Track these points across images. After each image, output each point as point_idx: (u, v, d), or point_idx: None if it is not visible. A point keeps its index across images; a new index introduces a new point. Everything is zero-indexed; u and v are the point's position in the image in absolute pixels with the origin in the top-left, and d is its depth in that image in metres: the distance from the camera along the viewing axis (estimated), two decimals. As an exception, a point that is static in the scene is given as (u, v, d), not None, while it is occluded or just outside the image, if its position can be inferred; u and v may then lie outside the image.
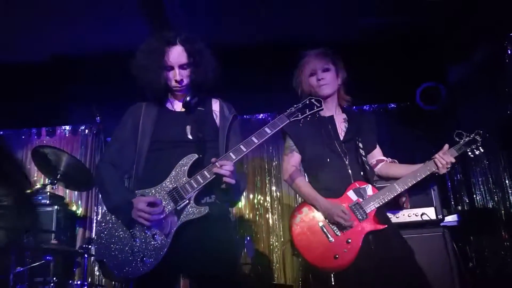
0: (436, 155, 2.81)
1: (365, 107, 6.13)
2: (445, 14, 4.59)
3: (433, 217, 3.92)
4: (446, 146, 2.86)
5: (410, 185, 2.81)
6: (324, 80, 2.94)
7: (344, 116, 3.06)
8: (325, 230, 2.72)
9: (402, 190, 2.80)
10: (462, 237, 4.47)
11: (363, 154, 2.92)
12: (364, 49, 4.96)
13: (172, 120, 2.54)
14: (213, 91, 2.62)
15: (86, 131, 6.31)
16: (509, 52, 4.22)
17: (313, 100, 2.49)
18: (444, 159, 2.78)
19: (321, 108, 2.49)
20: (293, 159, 2.98)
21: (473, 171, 4.95)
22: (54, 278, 4.13)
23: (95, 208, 5.94)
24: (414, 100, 5.46)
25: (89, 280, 5.23)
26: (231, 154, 2.31)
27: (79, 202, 5.97)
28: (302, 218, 2.78)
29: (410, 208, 3.93)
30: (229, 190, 2.37)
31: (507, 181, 4.38)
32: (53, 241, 4.64)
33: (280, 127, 2.41)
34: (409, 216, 3.92)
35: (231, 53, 4.00)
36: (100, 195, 5.66)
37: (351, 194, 2.78)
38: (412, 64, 5.30)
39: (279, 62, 4.64)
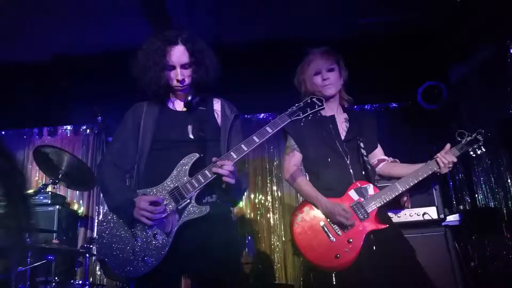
0: (438, 155, 2.81)
1: (366, 106, 6.13)
2: (447, 13, 4.58)
3: (435, 216, 3.92)
4: (448, 145, 2.85)
5: (412, 184, 2.81)
6: (329, 80, 2.94)
7: (345, 115, 3.06)
8: (326, 229, 2.71)
9: (404, 189, 2.80)
10: (463, 237, 4.46)
11: (364, 153, 2.91)
12: (365, 48, 4.96)
13: (173, 119, 2.54)
14: (214, 90, 2.62)
15: (88, 130, 6.31)
16: (511, 51, 4.21)
17: (314, 99, 2.48)
18: (446, 158, 2.77)
19: (323, 107, 2.48)
20: (294, 159, 2.97)
21: (475, 171, 4.94)
22: (56, 278, 4.13)
23: (97, 207, 5.95)
24: (416, 99, 5.46)
25: (91, 279, 5.22)
26: (232, 153, 2.31)
27: (81, 201, 5.97)
28: (303, 218, 2.77)
29: (412, 207, 3.93)
30: (229, 190, 2.36)
31: (509, 181, 4.37)
32: (55, 241, 4.63)
33: (281, 126, 2.41)
34: (410, 216, 3.92)
35: (232, 52, 3.99)
36: (101, 195, 5.68)
37: (352, 193, 2.78)
38: (414, 64, 5.29)
39: (280, 62, 4.65)
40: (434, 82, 5.39)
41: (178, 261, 2.26)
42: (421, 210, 3.93)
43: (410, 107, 5.81)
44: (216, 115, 2.61)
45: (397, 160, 3.04)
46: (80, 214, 5.87)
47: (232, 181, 2.26)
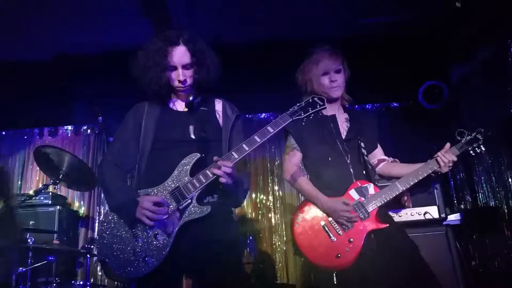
0: (438, 154, 2.80)
1: (367, 106, 6.14)
2: (447, 13, 4.57)
3: (436, 216, 3.93)
4: (448, 144, 2.85)
5: (412, 184, 2.81)
6: (337, 82, 2.94)
7: (346, 115, 3.06)
8: (327, 229, 2.71)
9: (404, 189, 2.80)
10: (464, 236, 4.46)
11: (365, 153, 2.91)
12: (366, 48, 4.95)
13: (174, 119, 2.54)
14: (215, 90, 2.61)
15: (88, 131, 6.32)
16: (512, 51, 4.21)
17: (316, 99, 2.47)
18: (446, 157, 2.77)
19: (324, 106, 2.47)
20: (294, 158, 2.97)
21: (475, 170, 4.94)
22: (57, 278, 4.13)
23: (97, 208, 5.96)
24: (417, 99, 5.45)
25: (92, 280, 5.24)
26: (233, 153, 2.31)
27: (81, 202, 5.98)
28: (304, 217, 2.77)
29: (413, 207, 3.93)
30: (227, 191, 2.36)
31: (509, 180, 4.37)
32: (55, 241, 4.63)
33: (283, 125, 2.40)
34: (411, 215, 3.92)
35: (232, 52, 3.99)
36: (102, 195, 5.69)
37: (353, 193, 2.78)
38: (415, 63, 5.29)
39: (280, 61, 4.65)
40: (435, 81, 5.38)
41: (179, 261, 2.26)
42: (422, 209, 3.93)
43: (411, 107, 5.81)
44: (217, 116, 2.60)
45: (397, 160, 3.04)
46: (81, 215, 5.87)
47: (227, 182, 2.25)
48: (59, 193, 5.51)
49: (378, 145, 3.10)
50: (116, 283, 4.69)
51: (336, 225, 2.71)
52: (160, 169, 2.39)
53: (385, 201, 2.76)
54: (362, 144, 2.92)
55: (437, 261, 3.52)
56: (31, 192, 5.17)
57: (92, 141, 6.27)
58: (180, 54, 2.45)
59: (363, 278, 2.56)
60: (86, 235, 5.77)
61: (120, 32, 4.79)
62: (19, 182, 6.08)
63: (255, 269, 5.31)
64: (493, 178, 4.64)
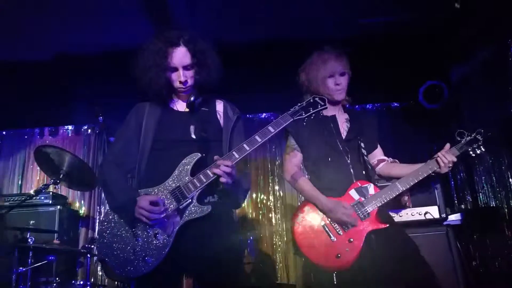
0: (438, 154, 2.80)
1: (368, 106, 6.13)
2: (447, 13, 4.57)
3: (437, 216, 3.93)
4: (448, 145, 2.85)
5: (412, 184, 2.81)
6: (341, 85, 2.94)
7: (346, 115, 3.06)
8: (327, 229, 2.71)
9: (404, 189, 2.80)
10: (465, 236, 4.46)
11: (365, 153, 2.91)
12: (367, 48, 4.95)
13: (175, 119, 2.54)
14: (216, 90, 2.61)
15: (89, 130, 6.32)
16: (512, 50, 4.21)
17: (317, 99, 2.47)
18: (446, 158, 2.77)
19: (325, 106, 2.47)
20: (295, 159, 2.97)
21: (476, 170, 4.94)
22: (57, 278, 4.13)
23: (98, 207, 5.95)
24: (417, 99, 5.45)
25: (92, 280, 5.24)
26: (234, 152, 2.31)
27: (82, 202, 5.97)
28: (304, 217, 2.77)
29: (414, 207, 3.94)
30: (226, 191, 2.36)
31: (510, 180, 4.36)
32: (56, 241, 4.64)
33: (284, 125, 2.40)
34: (412, 215, 3.93)
35: (233, 52, 3.99)
36: (102, 195, 5.69)
37: (353, 193, 2.78)
38: (415, 63, 5.29)
39: (281, 61, 4.65)
40: (436, 81, 5.38)
41: (179, 261, 2.26)
42: (423, 209, 3.94)
43: (411, 107, 5.81)
44: (218, 116, 2.60)
45: (397, 160, 3.04)
46: (81, 214, 5.87)
47: (228, 181, 2.24)
48: (59, 193, 5.51)
49: (378, 145, 3.10)
50: (116, 283, 4.68)
51: (336, 225, 2.71)
52: (160, 169, 2.39)
53: (385, 201, 2.76)
54: (362, 144, 2.92)
55: (437, 261, 3.53)
56: (31, 192, 5.17)
57: (92, 141, 6.27)
58: (180, 55, 2.45)
59: (363, 278, 2.56)
60: (87, 235, 5.77)
61: (120, 32, 4.79)
62: (20, 182, 6.09)
63: (255, 269, 5.30)
64: (494, 178, 4.64)
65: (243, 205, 5.86)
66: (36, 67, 5.30)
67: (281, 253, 5.77)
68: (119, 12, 4.56)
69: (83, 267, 4.75)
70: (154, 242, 2.25)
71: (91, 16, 4.62)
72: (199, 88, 2.54)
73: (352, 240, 2.66)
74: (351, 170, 2.83)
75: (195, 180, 2.29)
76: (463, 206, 5.20)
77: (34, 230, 4.30)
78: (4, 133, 6.30)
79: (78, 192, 5.93)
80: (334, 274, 2.66)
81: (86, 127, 6.33)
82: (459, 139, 2.89)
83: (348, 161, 2.85)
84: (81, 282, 4.21)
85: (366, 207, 2.73)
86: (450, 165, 2.77)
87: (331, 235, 2.69)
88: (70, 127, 6.35)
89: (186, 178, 2.32)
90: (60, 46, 5.15)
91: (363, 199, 2.76)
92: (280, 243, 5.82)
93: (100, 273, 5.55)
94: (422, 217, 3.91)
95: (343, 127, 2.98)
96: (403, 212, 3.91)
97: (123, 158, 2.50)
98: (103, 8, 4.50)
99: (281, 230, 5.89)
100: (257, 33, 5.09)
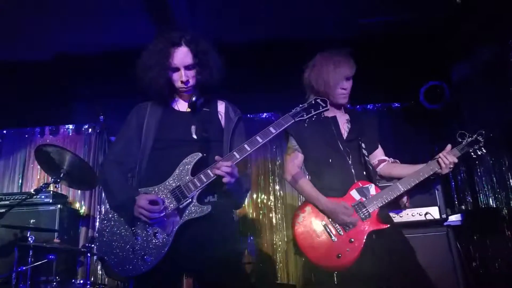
0: (440, 155, 2.80)
1: (369, 106, 6.13)
2: (447, 12, 4.57)
3: (437, 216, 3.93)
4: (449, 146, 2.85)
5: (413, 184, 2.81)
6: (347, 90, 2.94)
7: (347, 116, 3.06)
8: (328, 229, 2.71)
9: (405, 189, 2.80)
10: (465, 237, 4.46)
11: (366, 154, 2.91)
12: (367, 48, 4.93)
13: (177, 119, 2.54)
14: (217, 90, 2.61)
15: (90, 130, 6.31)
16: (513, 51, 4.20)
17: (318, 100, 2.47)
18: (448, 159, 2.77)
19: (327, 108, 2.47)
20: (296, 160, 2.97)
21: (477, 171, 4.93)
22: (57, 277, 4.14)
23: (98, 207, 5.95)
24: (418, 99, 5.44)
25: (92, 279, 5.23)
26: (235, 153, 2.31)
27: (82, 201, 5.96)
28: (305, 217, 2.77)
29: (414, 207, 3.93)
30: (228, 191, 2.36)
31: (510, 181, 4.36)
32: (56, 240, 4.64)
33: (285, 126, 2.40)
34: (412, 216, 3.92)
35: (233, 52, 3.99)
36: (103, 194, 5.69)
37: (354, 193, 2.78)
38: (416, 63, 5.28)
39: (281, 61, 4.65)
40: (437, 81, 5.37)
41: (178, 260, 2.26)
42: (423, 210, 3.93)
43: (412, 107, 5.80)
44: (220, 117, 2.60)
45: (397, 161, 3.04)
46: (81, 213, 5.87)
47: (229, 181, 2.25)
48: (60, 192, 5.50)
49: (379, 146, 3.10)
50: (116, 282, 4.69)
51: (337, 225, 2.71)
52: (161, 168, 2.39)
53: (386, 201, 2.76)
54: (363, 145, 2.92)
55: (437, 261, 3.54)
56: (32, 191, 5.17)
57: (93, 140, 6.25)
58: (182, 55, 2.46)
59: (363, 278, 2.56)
60: (87, 234, 5.76)
61: (120, 32, 4.79)
62: (20, 181, 6.09)
63: (255, 269, 5.30)
64: (494, 179, 4.63)
65: (243, 205, 5.87)
66: (36, 67, 5.30)
67: (281, 253, 5.77)
68: (119, 12, 4.56)
69: (83, 266, 4.75)
70: (154, 241, 2.25)
71: (91, 16, 4.62)
72: (201, 88, 2.54)
73: (352, 240, 2.66)
74: (352, 171, 2.82)
75: (195, 180, 2.29)
76: (463, 207, 5.20)
77: (34, 229, 4.30)
78: (4, 132, 6.30)
79: (79, 191, 5.92)
80: (335, 274, 2.66)
81: (87, 126, 6.32)
82: (460, 140, 2.89)
83: (349, 161, 2.84)
84: (81, 281, 4.20)
85: (367, 208, 2.73)
86: (451, 166, 2.78)
87: (332, 235, 2.69)
88: (70, 126, 6.34)
89: (187, 177, 2.32)
90: (60, 46, 5.14)
91: (364, 199, 2.76)
92: (280, 243, 5.82)
93: (100, 272, 5.55)
94: (422, 218, 3.91)
95: (344, 128, 2.97)
96: (404, 212, 3.91)
97: (124, 157, 2.51)
98: (103, 8, 4.50)
99: (282, 230, 5.89)
100: (257, 33, 5.08)
